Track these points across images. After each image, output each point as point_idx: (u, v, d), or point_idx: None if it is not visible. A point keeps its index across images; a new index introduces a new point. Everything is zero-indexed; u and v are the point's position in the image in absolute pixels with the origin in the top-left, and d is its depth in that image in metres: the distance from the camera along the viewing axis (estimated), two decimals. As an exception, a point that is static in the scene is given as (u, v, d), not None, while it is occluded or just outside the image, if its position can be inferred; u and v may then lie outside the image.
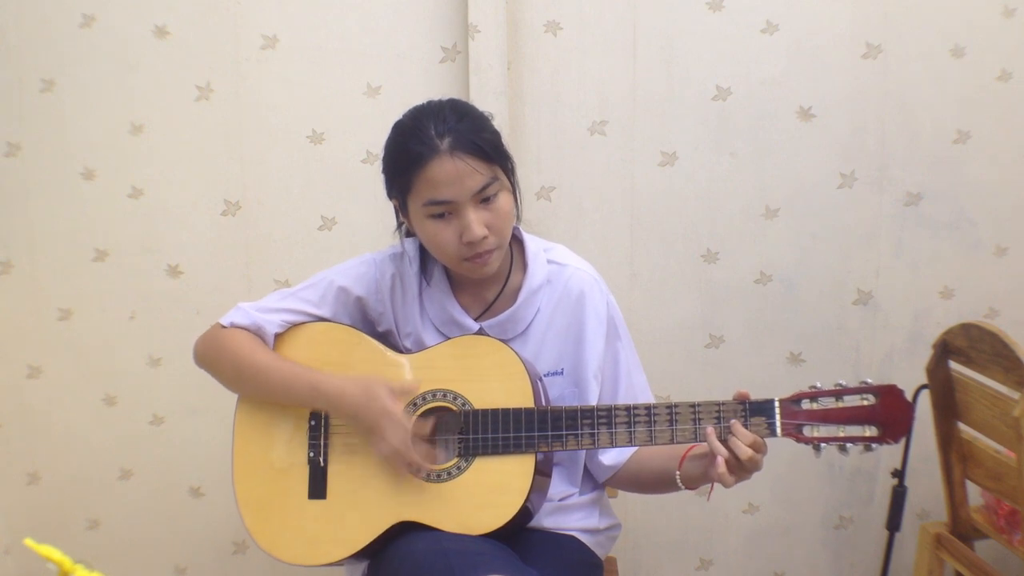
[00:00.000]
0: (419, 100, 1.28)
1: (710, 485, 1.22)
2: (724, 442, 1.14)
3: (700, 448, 1.23)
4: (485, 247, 1.22)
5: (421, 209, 1.22)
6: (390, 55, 1.90)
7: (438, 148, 1.18)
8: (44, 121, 1.92)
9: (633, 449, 1.35)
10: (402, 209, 1.29)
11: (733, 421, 1.15)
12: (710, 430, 1.16)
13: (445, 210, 1.20)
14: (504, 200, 1.23)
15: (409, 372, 1.28)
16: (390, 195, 1.30)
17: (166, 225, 1.95)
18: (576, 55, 1.90)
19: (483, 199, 1.21)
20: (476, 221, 1.20)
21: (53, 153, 1.93)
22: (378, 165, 1.30)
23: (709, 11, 1.88)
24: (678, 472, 1.25)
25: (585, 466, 1.39)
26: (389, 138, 1.26)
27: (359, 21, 1.89)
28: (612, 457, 1.35)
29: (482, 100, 1.83)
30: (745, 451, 1.13)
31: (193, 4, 1.88)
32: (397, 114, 1.27)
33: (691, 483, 1.24)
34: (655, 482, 1.33)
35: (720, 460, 1.13)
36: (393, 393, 1.21)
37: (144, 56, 1.89)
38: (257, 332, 1.31)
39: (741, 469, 1.14)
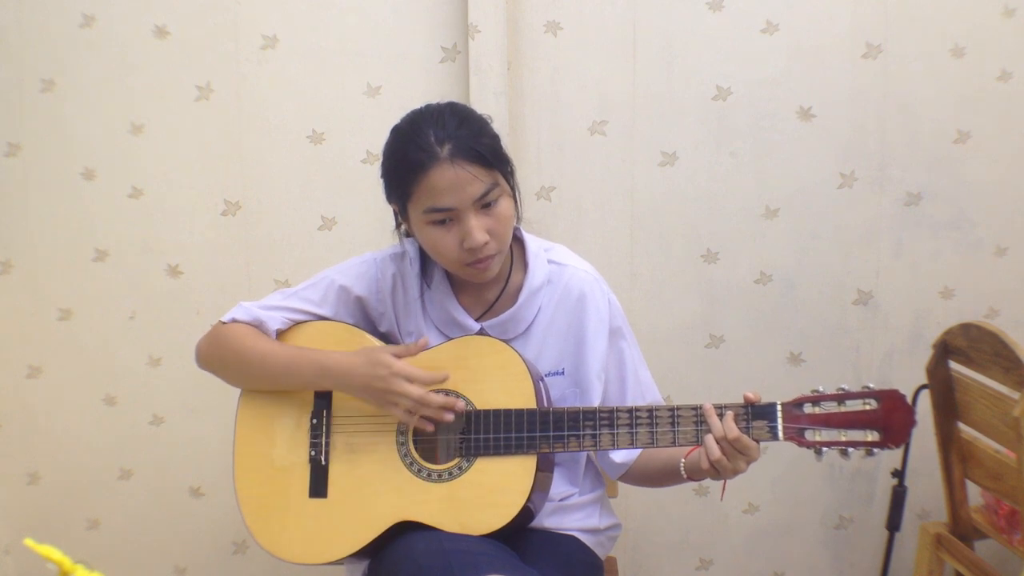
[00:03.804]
0: (419, 100, 1.28)
1: (722, 485, 1.24)
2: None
3: None
4: (486, 252, 1.22)
5: (422, 216, 1.21)
6: (390, 55, 1.90)
7: (438, 155, 1.17)
8: (44, 121, 1.91)
9: None
10: (402, 214, 1.28)
11: (724, 416, 1.16)
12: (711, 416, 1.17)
13: (446, 216, 1.20)
14: (504, 205, 1.23)
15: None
16: (389, 200, 1.30)
17: (166, 225, 1.95)
18: (576, 55, 1.90)
19: (484, 205, 1.20)
20: (477, 227, 1.19)
21: (53, 153, 1.93)
22: (378, 165, 1.29)
23: (709, 11, 1.88)
24: (683, 460, 1.26)
25: (587, 466, 1.40)
26: (388, 143, 1.26)
27: (359, 21, 1.89)
28: (623, 454, 1.36)
29: (482, 100, 1.83)
30: (714, 451, 1.14)
31: (193, 4, 1.88)
32: (397, 114, 1.27)
33: (694, 474, 1.25)
34: (662, 474, 1.33)
35: (704, 458, 1.16)
36: (398, 355, 1.23)
37: (144, 56, 1.89)
38: (259, 327, 1.31)
39: (718, 467, 1.16)
